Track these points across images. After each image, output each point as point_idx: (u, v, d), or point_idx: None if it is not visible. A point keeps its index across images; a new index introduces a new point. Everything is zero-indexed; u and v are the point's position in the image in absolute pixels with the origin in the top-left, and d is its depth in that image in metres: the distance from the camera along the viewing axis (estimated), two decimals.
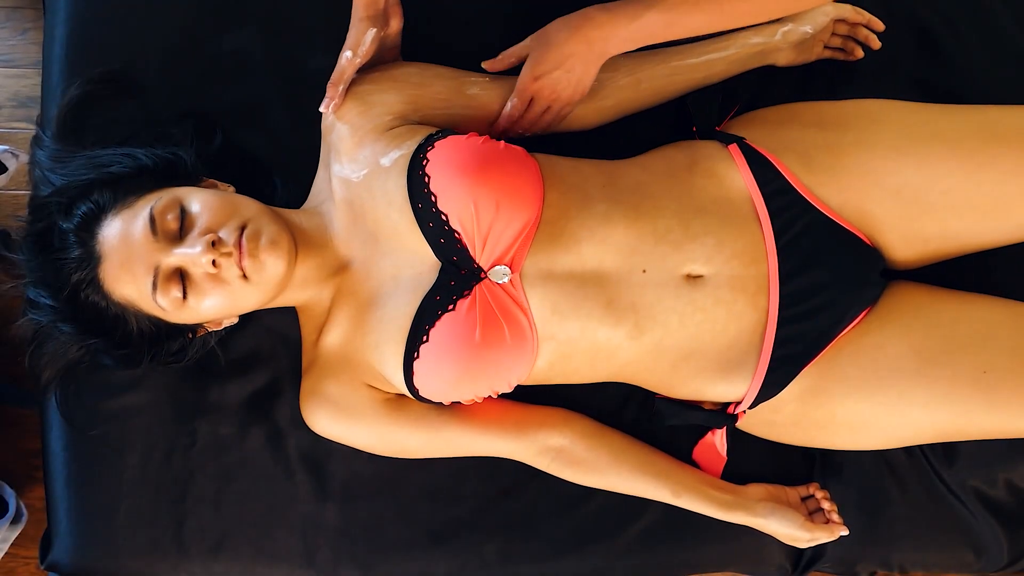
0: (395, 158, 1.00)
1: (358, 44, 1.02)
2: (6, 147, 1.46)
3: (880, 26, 1.18)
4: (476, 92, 1.08)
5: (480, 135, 1.01)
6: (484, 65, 1.07)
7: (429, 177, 0.97)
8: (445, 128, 1.05)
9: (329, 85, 1.03)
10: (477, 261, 0.97)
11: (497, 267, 0.97)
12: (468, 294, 0.97)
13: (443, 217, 0.96)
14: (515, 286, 0.98)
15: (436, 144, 0.99)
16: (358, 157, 1.03)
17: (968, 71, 1.22)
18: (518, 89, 1.05)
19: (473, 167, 0.96)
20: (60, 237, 0.97)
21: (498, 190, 0.96)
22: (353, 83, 1.05)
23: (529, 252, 0.98)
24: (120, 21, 1.19)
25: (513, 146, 1.02)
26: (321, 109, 1.04)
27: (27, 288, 1.01)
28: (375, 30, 1.02)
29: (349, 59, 1.02)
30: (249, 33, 1.19)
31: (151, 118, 1.13)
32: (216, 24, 1.20)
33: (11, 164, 1.45)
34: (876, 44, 1.18)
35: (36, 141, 1.09)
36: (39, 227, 1.01)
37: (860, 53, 1.19)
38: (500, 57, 1.06)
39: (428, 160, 0.97)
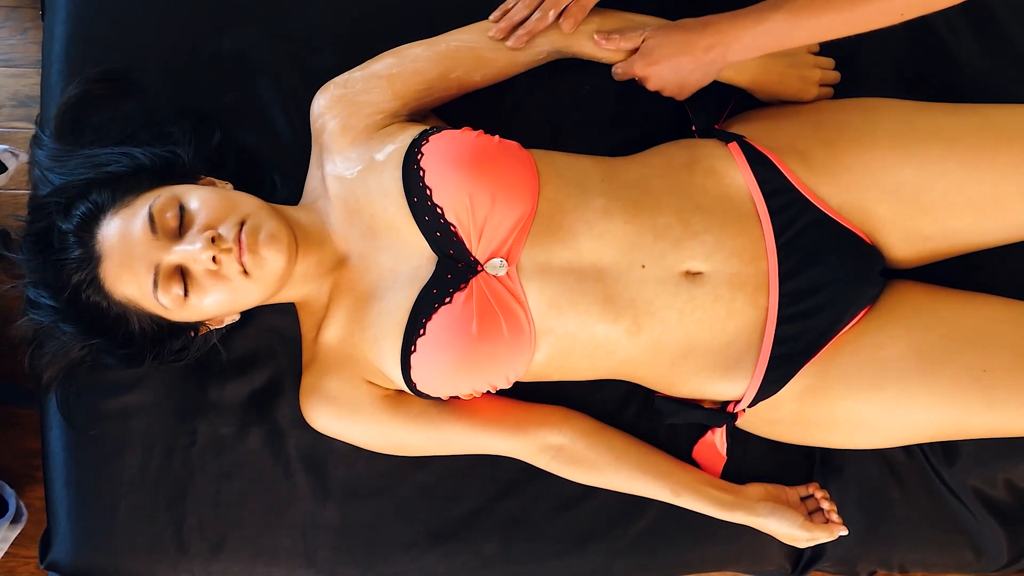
0: (389, 152, 1.00)
1: None
2: (6, 147, 1.46)
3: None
4: (458, 75, 1.07)
5: (474, 130, 1.01)
6: (596, 38, 1.05)
7: (424, 171, 0.97)
8: (433, 110, 1.06)
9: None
10: (473, 254, 0.97)
11: (493, 260, 0.97)
12: (465, 287, 0.96)
13: (439, 210, 0.96)
14: (512, 279, 0.98)
15: (430, 138, 0.99)
16: (351, 155, 1.03)
17: (968, 71, 1.21)
18: (624, 70, 1.07)
19: (468, 161, 0.97)
20: (60, 238, 0.97)
21: (493, 183, 0.96)
22: (341, 85, 1.05)
23: (526, 245, 0.98)
24: (120, 21, 1.19)
25: (508, 141, 1.02)
26: (566, 29, 1.04)
27: (27, 288, 1.00)
28: None
29: None
30: (249, 33, 1.19)
31: (150, 117, 1.13)
32: (216, 24, 1.19)
33: (11, 164, 1.46)
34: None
35: (35, 140, 1.09)
36: (39, 227, 1.00)
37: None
38: (611, 39, 1.05)
39: (423, 154, 0.98)
